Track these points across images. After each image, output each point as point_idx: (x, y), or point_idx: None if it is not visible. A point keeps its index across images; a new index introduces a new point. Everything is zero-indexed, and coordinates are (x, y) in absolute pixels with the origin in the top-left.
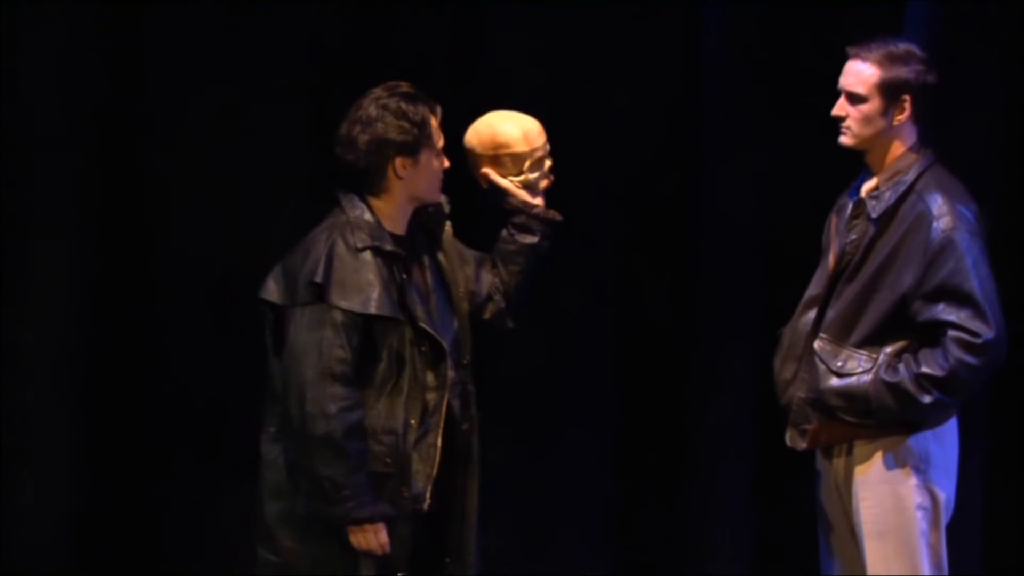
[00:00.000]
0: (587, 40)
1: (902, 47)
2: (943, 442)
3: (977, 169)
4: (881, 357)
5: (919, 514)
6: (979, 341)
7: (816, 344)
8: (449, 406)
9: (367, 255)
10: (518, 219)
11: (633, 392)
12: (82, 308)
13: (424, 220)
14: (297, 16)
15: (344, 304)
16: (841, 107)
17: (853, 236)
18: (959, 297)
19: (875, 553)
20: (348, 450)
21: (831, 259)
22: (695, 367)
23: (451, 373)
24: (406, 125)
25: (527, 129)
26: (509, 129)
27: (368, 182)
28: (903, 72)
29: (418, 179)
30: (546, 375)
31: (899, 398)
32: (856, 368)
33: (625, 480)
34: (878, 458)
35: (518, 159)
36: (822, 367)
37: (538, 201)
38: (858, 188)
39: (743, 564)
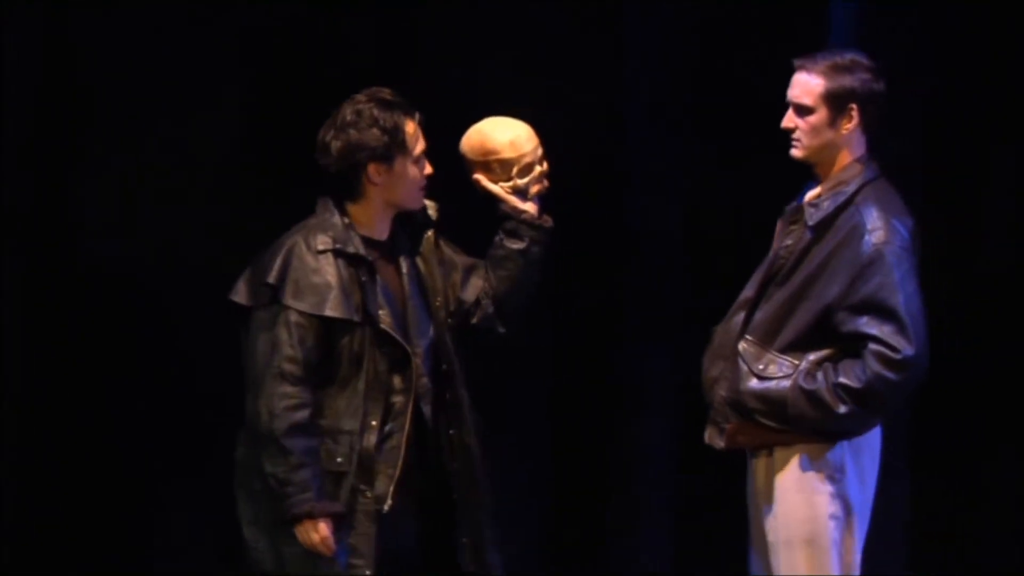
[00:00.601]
0: (514, 54)
1: (848, 56)
2: (860, 452)
3: (901, 177)
4: (803, 364)
5: (831, 523)
6: (898, 357)
7: (741, 345)
8: (420, 412)
9: (328, 257)
10: (508, 224)
11: (561, 399)
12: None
13: (410, 226)
14: (235, 19)
15: (298, 305)
16: (789, 119)
17: (789, 241)
18: (883, 312)
19: (785, 560)
20: (290, 448)
21: (767, 263)
22: (622, 374)
23: (424, 380)
24: (377, 132)
25: (515, 136)
26: (497, 136)
27: (344, 187)
28: (848, 81)
29: (394, 185)
30: (480, 383)
31: (815, 406)
32: (777, 372)
33: (551, 482)
34: (794, 465)
35: (506, 165)
36: (744, 368)
37: (528, 207)
38: (804, 196)
39: (666, 564)
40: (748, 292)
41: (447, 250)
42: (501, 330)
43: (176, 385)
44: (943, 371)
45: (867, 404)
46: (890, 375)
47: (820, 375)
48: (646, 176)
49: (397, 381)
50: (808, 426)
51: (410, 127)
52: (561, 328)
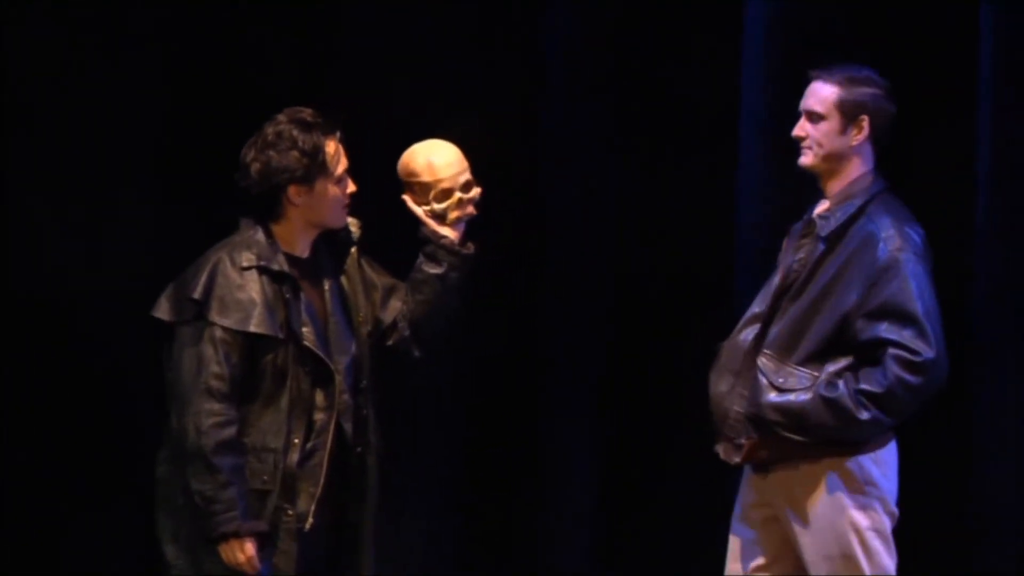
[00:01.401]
0: (428, 59)
1: (863, 72)
2: (883, 465)
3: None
4: (822, 375)
5: (868, 535)
6: (919, 360)
7: (760, 360)
8: (340, 428)
9: (252, 274)
10: (427, 248)
11: (482, 404)
12: None
13: (333, 244)
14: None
15: (223, 321)
16: (801, 127)
17: (801, 255)
18: (902, 317)
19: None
20: (218, 465)
21: (778, 278)
22: (542, 382)
23: (345, 396)
24: (296, 155)
25: (436, 159)
26: (419, 158)
27: (265, 207)
28: (861, 93)
29: (315, 206)
30: (401, 391)
31: (837, 414)
32: (797, 385)
33: (468, 493)
34: (824, 480)
35: (424, 189)
36: (764, 382)
37: (447, 231)
38: (812, 211)
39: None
40: (757, 308)
41: (368, 269)
42: (417, 354)
43: (96, 402)
44: None
45: (888, 408)
46: (911, 378)
47: (841, 383)
48: (566, 193)
49: (320, 398)
50: (829, 435)
51: (331, 147)
52: (479, 340)
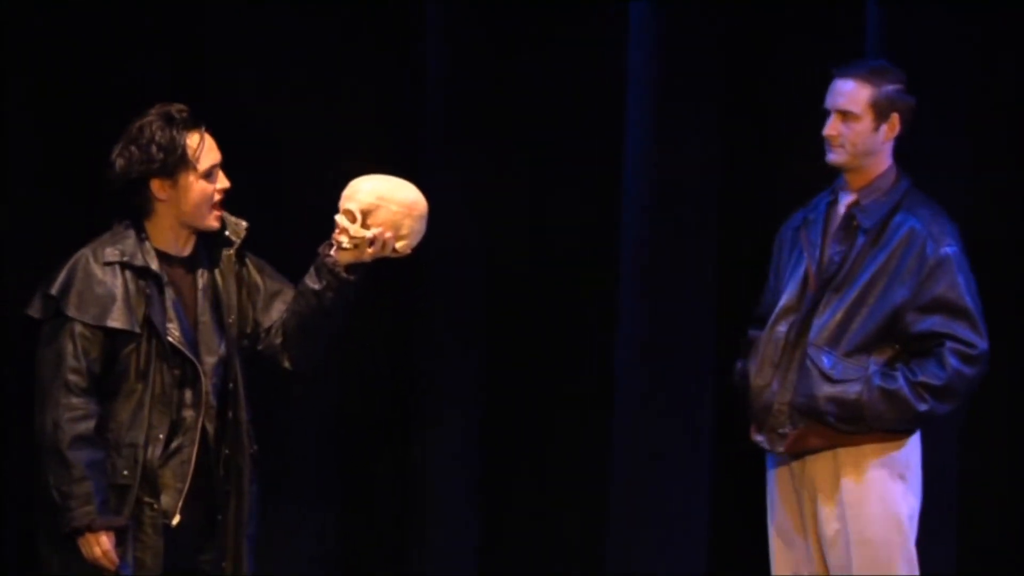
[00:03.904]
0: (307, 58)
1: (885, 65)
2: (917, 450)
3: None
4: (871, 366)
5: (905, 522)
6: (975, 352)
7: (809, 351)
8: (203, 428)
9: (115, 269)
10: (316, 261)
11: (358, 407)
12: None
13: (215, 242)
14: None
15: (81, 316)
16: (834, 127)
17: (840, 247)
18: (955, 311)
19: (862, 558)
20: (73, 460)
21: (808, 270)
22: (422, 379)
23: (209, 397)
24: (154, 149)
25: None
26: None
27: (133, 203)
28: (891, 90)
29: (180, 200)
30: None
31: (895, 405)
32: (847, 376)
33: (348, 489)
34: (866, 465)
35: None
36: (815, 373)
37: (333, 251)
38: (825, 204)
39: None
40: (788, 300)
41: (254, 271)
42: (287, 365)
43: None
44: None
45: (946, 399)
46: (967, 370)
47: (899, 375)
48: (446, 195)
49: (188, 396)
50: (883, 425)
51: (193, 141)
52: (356, 342)
